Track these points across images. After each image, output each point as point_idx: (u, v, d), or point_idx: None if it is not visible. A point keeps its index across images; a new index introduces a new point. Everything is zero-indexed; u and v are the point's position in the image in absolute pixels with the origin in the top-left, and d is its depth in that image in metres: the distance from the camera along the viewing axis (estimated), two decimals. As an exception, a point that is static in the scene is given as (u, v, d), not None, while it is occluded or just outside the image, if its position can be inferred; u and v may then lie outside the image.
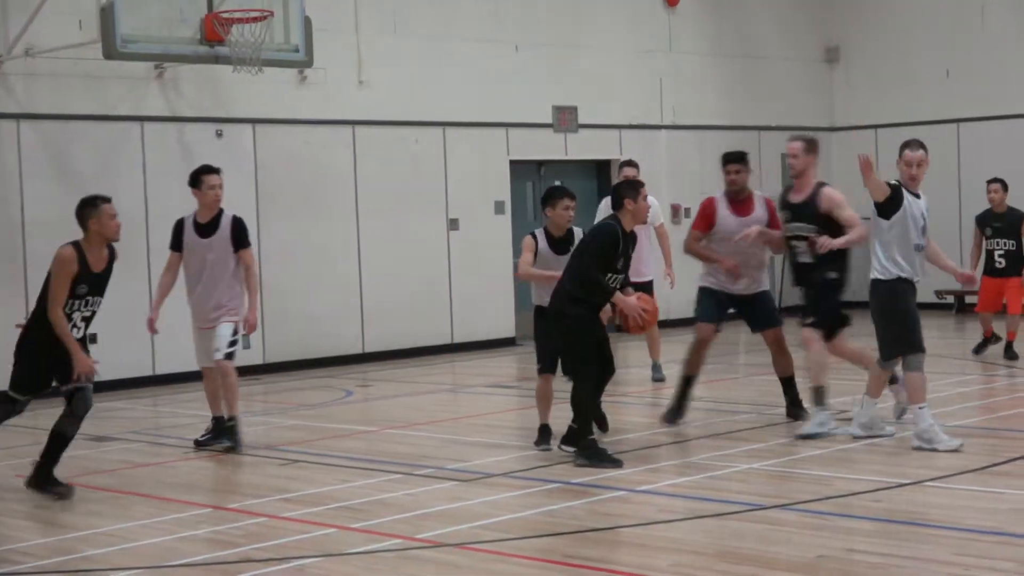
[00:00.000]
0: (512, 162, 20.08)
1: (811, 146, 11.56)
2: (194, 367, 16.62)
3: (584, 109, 20.76)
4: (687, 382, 11.89)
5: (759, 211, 11.86)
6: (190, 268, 11.68)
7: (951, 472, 9.39)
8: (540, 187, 20.63)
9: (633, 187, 10.58)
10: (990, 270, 15.95)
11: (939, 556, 7.30)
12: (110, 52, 14.89)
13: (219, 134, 17.11)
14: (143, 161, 16.48)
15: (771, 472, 9.82)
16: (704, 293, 11.92)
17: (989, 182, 16.25)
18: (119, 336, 16.14)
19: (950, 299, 22.61)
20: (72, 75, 15.90)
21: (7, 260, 15.50)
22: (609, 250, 10.29)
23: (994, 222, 15.98)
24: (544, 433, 11.07)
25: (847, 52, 24.19)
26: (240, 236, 11.59)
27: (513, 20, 19.99)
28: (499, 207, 19.87)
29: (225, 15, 15.38)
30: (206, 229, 11.60)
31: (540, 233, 11.25)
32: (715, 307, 11.84)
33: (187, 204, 16.68)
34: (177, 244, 11.73)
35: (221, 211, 11.67)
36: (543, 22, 20.35)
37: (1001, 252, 15.88)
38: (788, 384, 11.84)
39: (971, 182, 22.58)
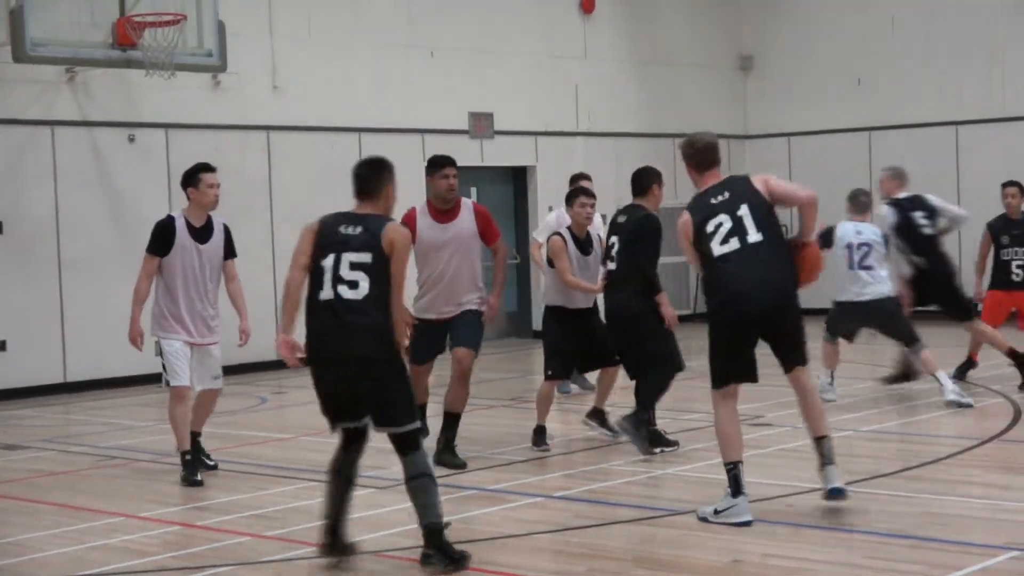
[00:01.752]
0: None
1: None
2: (105, 374, 16.56)
3: (500, 115, 20.78)
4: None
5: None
6: (177, 275, 10.41)
7: (864, 476, 9.48)
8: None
9: (657, 172, 10.77)
10: (1003, 282, 14.39)
11: (852, 560, 7.37)
12: (19, 55, 14.72)
13: (131, 139, 16.94)
14: (54, 166, 16.28)
15: (686, 477, 9.87)
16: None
17: (1004, 186, 14.74)
18: (29, 344, 15.96)
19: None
20: (-19, 79, 15.71)
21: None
22: (659, 241, 10.70)
23: (1013, 229, 14.45)
24: (541, 434, 11.14)
25: (761, 61, 24.41)
26: (231, 244, 10.75)
27: (429, 26, 19.96)
28: (415, 213, 19.79)
29: (138, 19, 15.25)
30: (202, 233, 10.54)
31: (566, 233, 11.27)
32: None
33: (99, 210, 16.60)
34: (166, 247, 10.42)
35: (211, 216, 10.66)
36: (459, 28, 20.35)
37: (1020, 263, 14.33)
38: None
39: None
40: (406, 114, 19.63)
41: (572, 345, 11.11)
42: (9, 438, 12.89)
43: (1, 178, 15.87)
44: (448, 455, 10.57)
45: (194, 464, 10.44)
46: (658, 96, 23.12)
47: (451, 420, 10.72)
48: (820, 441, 8.54)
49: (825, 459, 8.52)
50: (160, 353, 10.53)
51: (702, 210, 8.50)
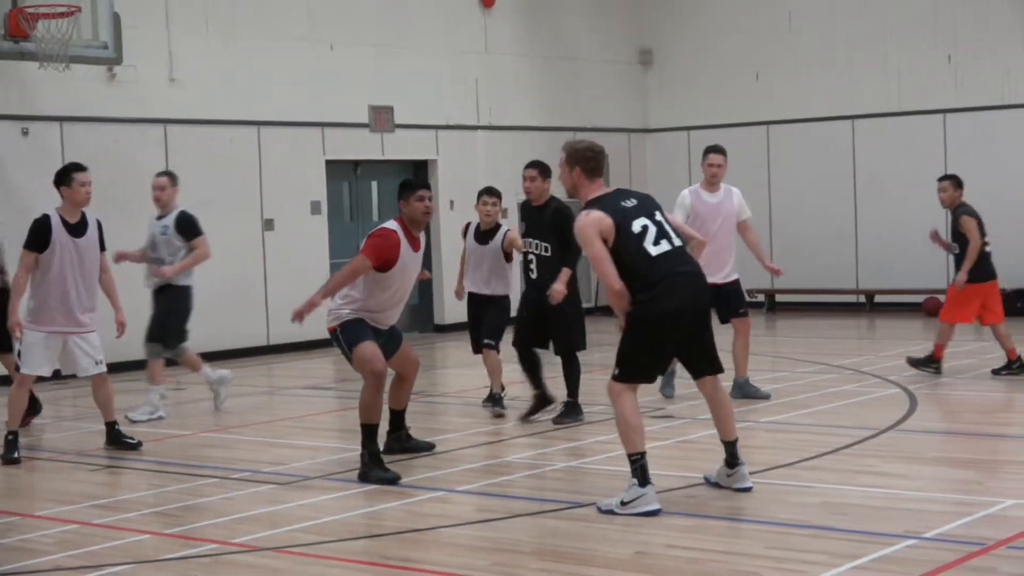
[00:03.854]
0: (328, 162, 19.94)
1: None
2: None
3: (400, 109, 20.71)
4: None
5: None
6: (54, 269, 11.03)
7: (762, 467, 9.56)
8: (356, 187, 20.56)
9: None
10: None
11: (753, 550, 7.43)
12: (-91, 46, 14.44)
13: (25, 132, 16.67)
14: (-55, 159, 16.00)
15: (587, 470, 9.90)
16: None
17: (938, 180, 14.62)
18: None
19: (760, 297, 23.07)
20: None
21: None
22: None
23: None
24: (498, 400, 12.51)
25: (660, 55, 24.55)
26: (103, 238, 11.41)
27: (328, 19, 19.85)
28: (315, 207, 19.72)
29: (30, 10, 15.01)
30: (77, 229, 11.20)
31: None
32: None
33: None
34: (44, 244, 11.02)
35: (84, 211, 11.34)
36: (359, 21, 20.25)
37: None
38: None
39: (780, 183, 23.12)
40: (306, 107, 19.51)
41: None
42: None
43: None
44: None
45: (15, 444, 11.17)
46: (559, 90, 23.17)
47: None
48: (732, 444, 8.81)
49: (738, 460, 8.80)
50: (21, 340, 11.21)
51: (619, 211, 8.44)
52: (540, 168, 12.07)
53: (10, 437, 11.18)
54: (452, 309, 19.32)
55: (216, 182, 18.41)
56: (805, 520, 8.03)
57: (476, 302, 12.73)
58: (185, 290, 13.30)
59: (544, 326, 11.98)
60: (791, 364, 15.79)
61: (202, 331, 18.08)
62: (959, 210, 14.09)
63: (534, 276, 12.02)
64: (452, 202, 21.06)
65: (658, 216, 8.55)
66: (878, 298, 22.37)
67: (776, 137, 23.22)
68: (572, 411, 12.01)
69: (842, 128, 22.55)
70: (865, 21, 22.38)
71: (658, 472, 9.35)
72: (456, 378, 15.22)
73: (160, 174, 13.70)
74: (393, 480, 9.66)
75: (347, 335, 9.97)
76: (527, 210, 12.29)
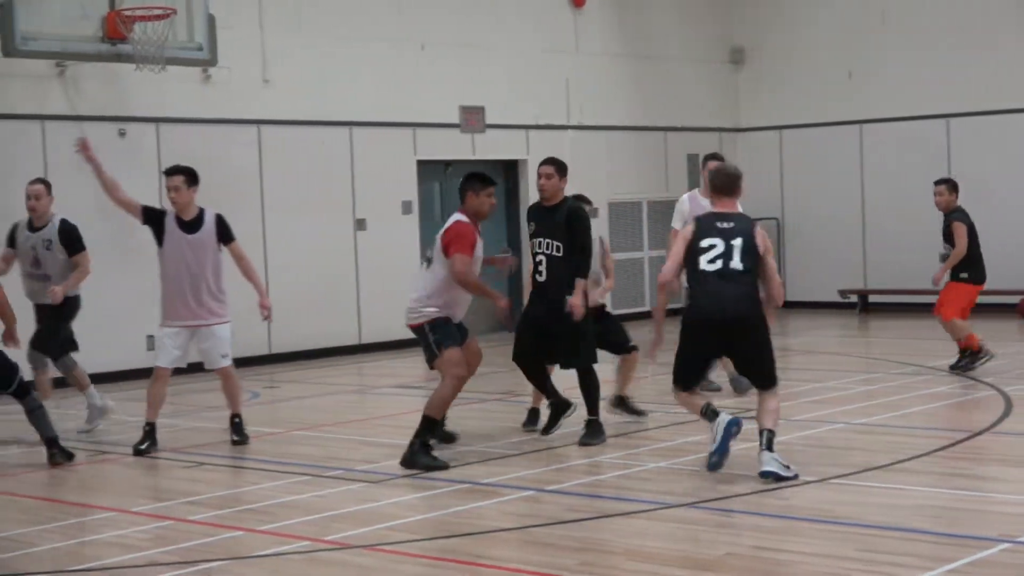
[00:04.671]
0: (419, 162, 20.03)
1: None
2: (97, 369, 16.57)
3: (491, 109, 20.76)
4: None
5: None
6: (169, 264, 11.59)
7: (855, 469, 9.48)
8: (447, 187, 20.62)
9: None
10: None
11: (843, 552, 7.38)
12: (9, 50, 14.69)
13: (122, 133, 16.90)
14: (44, 161, 16.24)
15: (678, 470, 9.86)
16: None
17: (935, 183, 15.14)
18: (21, 337, 15.91)
19: (853, 298, 22.88)
20: (-29, 73, 15.67)
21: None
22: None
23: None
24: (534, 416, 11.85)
25: (752, 53, 24.41)
26: (227, 231, 11.79)
27: (419, 19, 19.94)
28: (406, 207, 19.81)
29: (128, 12, 15.23)
30: (190, 225, 11.64)
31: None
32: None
33: (89, 204, 16.55)
34: (158, 231, 11.68)
35: (202, 210, 11.73)
36: (450, 22, 20.32)
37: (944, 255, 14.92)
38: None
39: (873, 183, 22.90)
40: (397, 108, 19.61)
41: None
42: (0, 433, 12.88)
43: (-8, 173, 15.84)
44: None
45: (151, 435, 11.58)
46: (649, 90, 23.11)
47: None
48: (765, 432, 9.50)
49: (766, 446, 9.41)
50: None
51: (704, 228, 9.65)
52: (557, 165, 11.33)
53: (147, 428, 11.61)
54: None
55: (308, 183, 18.57)
56: (897, 523, 7.96)
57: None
58: (74, 300, 12.77)
59: (546, 340, 11.14)
60: (884, 365, 15.64)
61: (294, 331, 18.33)
62: (953, 215, 14.65)
63: (542, 279, 11.16)
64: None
65: (736, 241, 9.55)
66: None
67: (869, 136, 22.99)
68: (594, 430, 11.10)
69: (937, 127, 22.28)
70: (960, 17, 22.09)
71: (749, 473, 9.33)
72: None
73: (34, 181, 13.04)
74: (443, 466, 10.12)
75: (437, 334, 10.39)
76: (537, 210, 11.43)
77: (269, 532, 8.39)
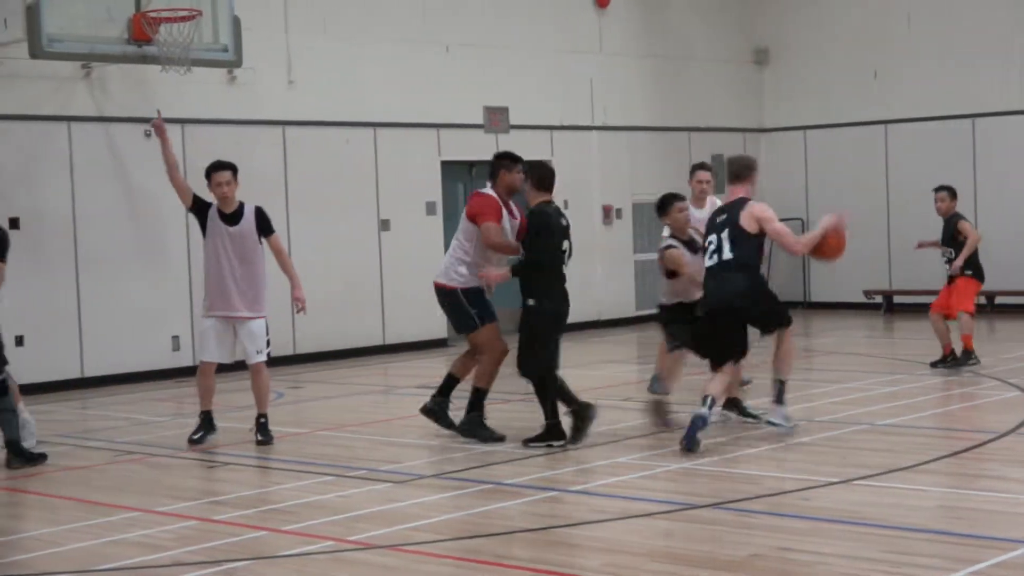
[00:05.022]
0: (443, 163, 20.06)
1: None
2: (121, 370, 16.67)
3: (515, 110, 20.77)
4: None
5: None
6: (211, 256, 11.76)
7: (880, 471, 9.47)
8: (471, 187, 20.64)
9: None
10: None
11: (868, 554, 7.36)
12: (36, 51, 14.75)
13: (147, 134, 16.94)
14: (70, 161, 16.32)
15: (702, 471, 9.86)
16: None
17: (935, 190, 15.61)
18: (46, 338, 16.01)
19: (878, 299, 22.83)
20: (-3, 74, 15.75)
21: None
22: None
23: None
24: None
25: (776, 54, 24.37)
26: (266, 224, 11.91)
27: (443, 20, 19.97)
28: (430, 208, 19.84)
29: (153, 14, 15.27)
30: (231, 218, 11.78)
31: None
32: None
33: (115, 205, 16.64)
34: (201, 221, 11.86)
35: (242, 203, 11.90)
36: (473, 22, 20.35)
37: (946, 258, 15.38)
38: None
39: (898, 183, 22.84)
40: (421, 109, 19.64)
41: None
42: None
43: (18, 173, 15.91)
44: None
45: (204, 426, 11.86)
46: (672, 90, 23.10)
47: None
48: (777, 383, 10.87)
49: (777, 399, 10.85)
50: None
51: (708, 227, 11.10)
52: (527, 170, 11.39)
53: (200, 417, 11.92)
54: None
55: (333, 183, 18.62)
56: (922, 524, 7.94)
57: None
58: None
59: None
60: (909, 366, 15.59)
61: (318, 331, 18.37)
62: (955, 217, 15.24)
63: None
64: (566, 202, 21.05)
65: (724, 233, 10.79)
66: (999, 299, 22.01)
67: (894, 136, 22.93)
68: (544, 434, 11.06)
69: (962, 127, 22.22)
70: (986, 17, 22.03)
71: (773, 474, 9.33)
72: (574, 379, 15.20)
73: None
74: (500, 439, 11.18)
75: (477, 307, 11.29)
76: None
77: (293, 532, 8.41)
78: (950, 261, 15.13)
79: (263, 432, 11.81)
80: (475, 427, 11.27)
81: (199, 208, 11.85)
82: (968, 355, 14.93)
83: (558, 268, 10.96)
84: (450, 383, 11.57)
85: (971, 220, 15.83)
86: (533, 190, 11.08)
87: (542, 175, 11.14)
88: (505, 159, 11.42)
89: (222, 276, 11.63)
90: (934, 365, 14.99)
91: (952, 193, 15.40)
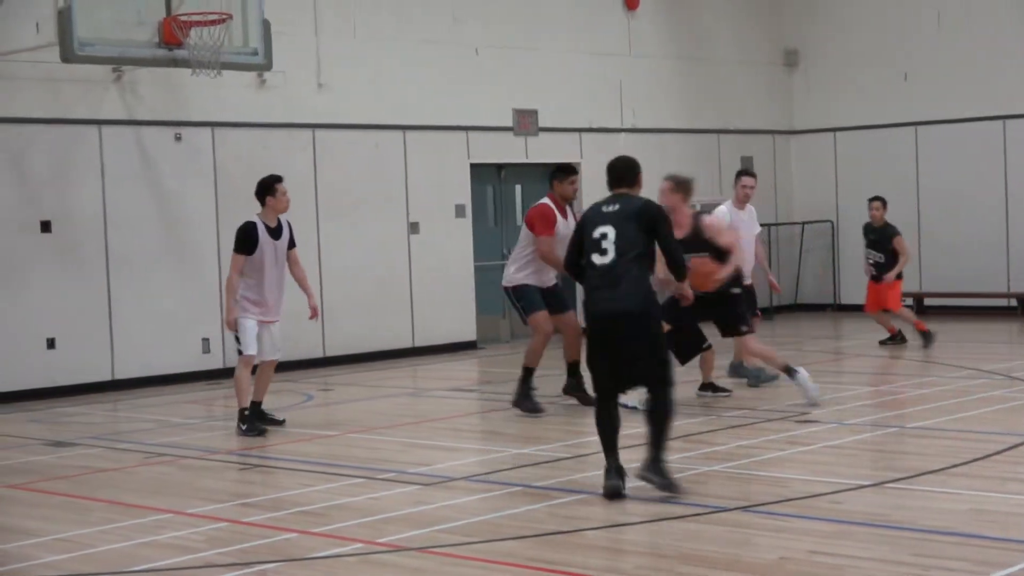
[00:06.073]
0: (473, 165, 20.07)
1: (680, 186, 12.91)
2: (152, 372, 16.75)
3: (544, 112, 20.77)
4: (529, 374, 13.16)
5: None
6: (257, 268, 12.41)
7: (910, 473, 9.44)
8: (501, 190, 20.67)
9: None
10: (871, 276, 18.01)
11: (898, 557, 7.34)
12: (67, 55, 14.81)
13: (178, 137, 17.04)
14: (101, 165, 16.39)
15: (731, 474, 9.85)
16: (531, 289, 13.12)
17: (870, 200, 18.16)
18: (77, 341, 16.09)
19: (909, 301, 22.73)
20: (29, 78, 15.81)
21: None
22: None
23: (871, 235, 18.11)
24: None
25: (806, 55, 24.31)
26: (293, 236, 12.84)
27: (473, 23, 19.98)
28: (460, 210, 19.86)
29: (183, 18, 15.32)
30: (276, 232, 12.56)
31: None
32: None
33: (146, 208, 16.71)
34: (253, 247, 12.36)
35: (278, 217, 12.77)
36: (503, 25, 20.35)
37: (873, 261, 17.93)
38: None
39: (928, 186, 22.75)
40: (451, 111, 19.67)
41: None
42: (58, 435, 13.00)
43: (49, 177, 15.99)
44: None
45: (252, 418, 12.50)
46: (702, 92, 23.06)
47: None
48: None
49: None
50: (237, 328, 12.44)
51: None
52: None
53: (246, 413, 12.50)
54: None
55: (362, 186, 18.65)
56: (953, 527, 7.92)
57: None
58: None
59: None
60: (940, 369, 15.54)
61: (348, 333, 18.42)
62: (891, 229, 17.80)
63: None
64: (595, 204, 21.03)
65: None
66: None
67: (925, 138, 22.84)
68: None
69: (993, 129, 22.12)
70: (1017, 17, 21.93)
71: (803, 477, 9.31)
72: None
73: None
74: (539, 411, 12.84)
75: (524, 301, 12.98)
76: None
77: (323, 534, 8.44)
78: (876, 264, 17.70)
79: (263, 416, 12.75)
80: (521, 399, 12.99)
81: (251, 235, 12.43)
82: (928, 336, 17.37)
83: None
84: (572, 368, 13.19)
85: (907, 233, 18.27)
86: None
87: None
88: (559, 172, 13.35)
89: (267, 286, 12.44)
90: (883, 343, 17.59)
91: (885, 203, 17.96)
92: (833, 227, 23.73)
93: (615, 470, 9.10)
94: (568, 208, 13.25)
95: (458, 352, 19.38)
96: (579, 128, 21.39)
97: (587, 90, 21.48)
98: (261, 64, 16.48)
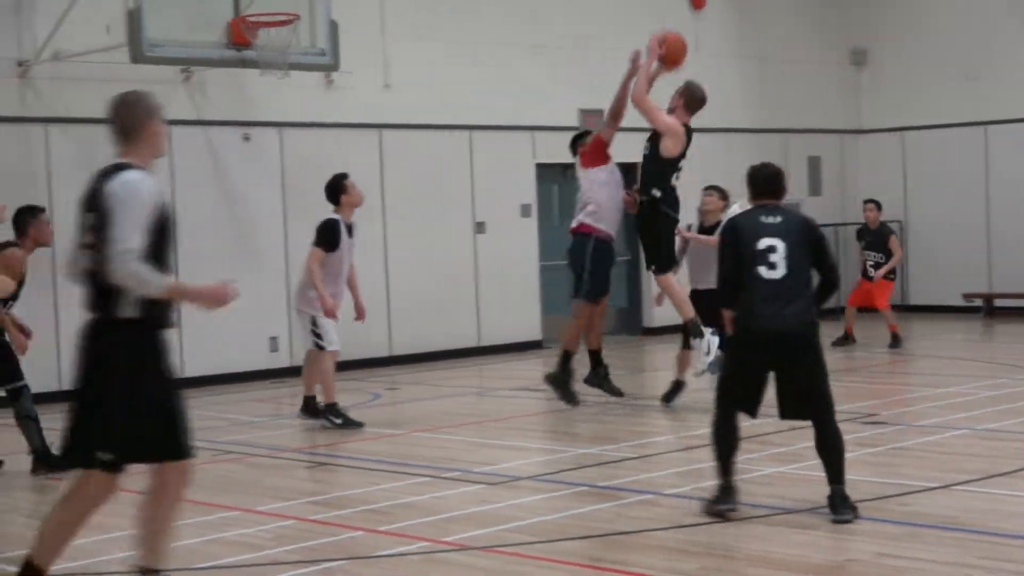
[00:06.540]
0: (538, 165, 20.08)
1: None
2: (220, 370, 16.92)
3: (610, 112, 20.69)
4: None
5: None
6: (335, 265, 12.77)
7: (979, 476, 9.37)
8: (566, 190, 20.63)
9: None
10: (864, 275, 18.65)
11: (965, 560, 7.29)
12: (137, 56, 14.95)
13: (246, 138, 17.16)
14: (171, 165, 16.52)
15: (797, 475, 9.80)
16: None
17: (865, 202, 18.93)
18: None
19: (978, 302, 22.52)
20: (99, 79, 15.93)
21: (35, 262, 15.53)
22: None
23: (868, 236, 18.71)
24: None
25: (874, 54, 24.13)
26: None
27: (538, 22, 19.99)
28: (525, 210, 19.88)
29: (252, 18, 15.42)
30: (351, 229, 12.95)
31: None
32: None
33: (214, 208, 16.84)
34: (336, 244, 12.74)
35: None
36: (569, 25, 20.34)
37: (872, 263, 18.48)
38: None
39: (998, 185, 22.53)
40: (516, 111, 19.68)
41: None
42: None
43: (119, 177, 16.14)
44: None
45: (341, 412, 12.79)
46: (769, 92, 22.95)
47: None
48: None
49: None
50: (315, 325, 12.69)
51: None
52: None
53: (336, 407, 12.77)
54: (660, 312, 19.22)
55: (429, 186, 18.71)
56: (1021, 530, 7.84)
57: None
58: None
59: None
60: (1009, 371, 15.39)
61: (414, 333, 18.48)
62: (886, 229, 18.52)
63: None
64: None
65: None
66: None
67: (994, 138, 22.61)
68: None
69: (1064, 128, 21.89)
70: (1089, 16, 21.69)
71: (870, 479, 9.25)
72: (664, 381, 15.15)
73: None
74: (575, 402, 13.25)
75: (596, 274, 13.71)
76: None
77: (388, 532, 8.47)
78: (876, 264, 18.24)
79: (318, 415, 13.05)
80: (558, 382, 13.42)
81: (335, 231, 12.77)
82: (897, 339, 17.85)
83: None
84: (595, 356, 13.62)
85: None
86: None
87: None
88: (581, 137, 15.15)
89: (340, 282, 12.82)
90: (835, 344, 17.75)
91: (879, 205, 18.65)
92: (902, 227, 23.54)
93: (730, 489, 8.59)
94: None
95: (523, 352, 19.40)
96: (644, 128, 21.29)
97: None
98: (328, 64, 16.56)
